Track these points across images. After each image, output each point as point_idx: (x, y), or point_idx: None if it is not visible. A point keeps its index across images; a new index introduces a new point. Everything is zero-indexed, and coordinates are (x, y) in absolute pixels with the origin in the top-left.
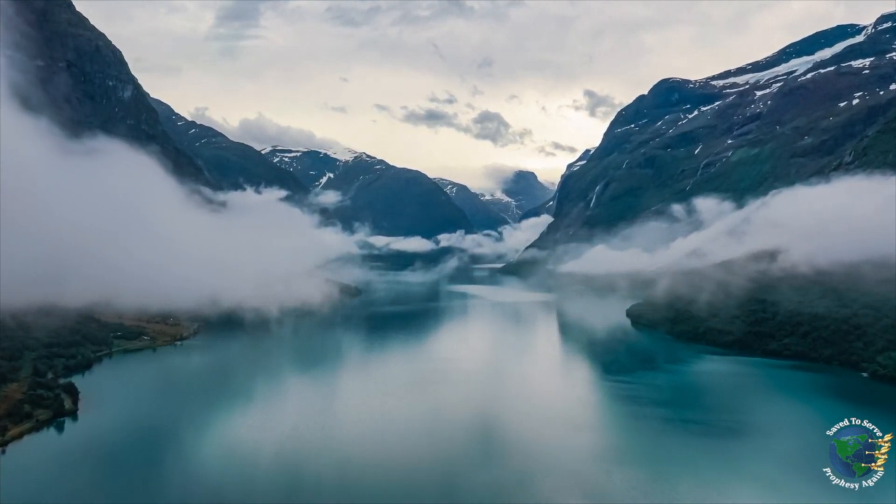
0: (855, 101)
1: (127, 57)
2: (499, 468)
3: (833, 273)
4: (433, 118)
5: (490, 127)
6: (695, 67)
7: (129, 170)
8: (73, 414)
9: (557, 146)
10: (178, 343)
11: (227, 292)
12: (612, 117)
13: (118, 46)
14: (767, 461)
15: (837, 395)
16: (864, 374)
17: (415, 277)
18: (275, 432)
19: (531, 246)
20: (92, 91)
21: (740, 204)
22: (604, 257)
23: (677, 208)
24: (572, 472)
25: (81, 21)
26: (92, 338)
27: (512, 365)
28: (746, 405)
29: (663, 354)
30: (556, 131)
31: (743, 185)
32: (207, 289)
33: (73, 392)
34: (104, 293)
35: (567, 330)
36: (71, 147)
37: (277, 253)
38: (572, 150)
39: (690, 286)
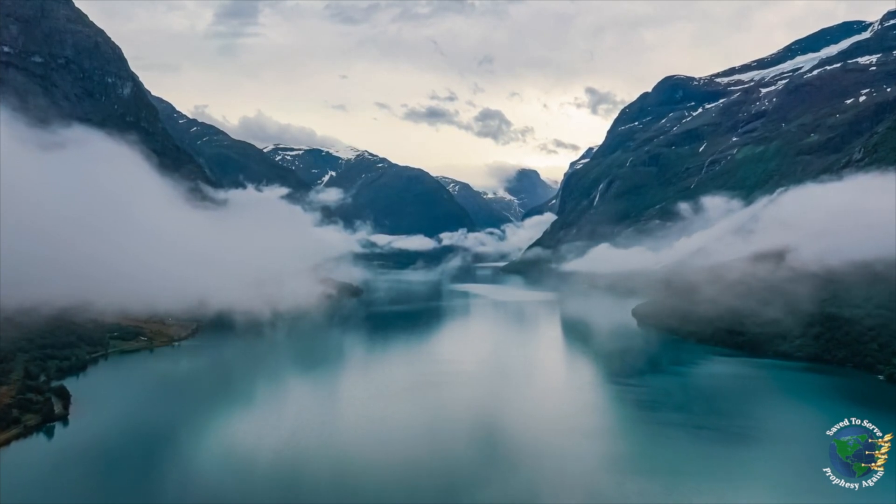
0: (862, 99)
1: (126, 55)
2: (505, 481)
3: (845, 272)
4: (434, 116)
5: (492, 125)
6: (696, 65)
7: (109, 162)
8: (64, 419)
9: (559, 144)
10: (176, 344)
11: (218, 293)
12: (613, 115)
13: (117, 44)
14: (786, 471)
15: (854, 398)
16: (881, 377)
17: (417, 276)
18: (272, 439)
19: (534, 244)
20: (91, 88)
21: (746, 202)
22: (607, 256)
23: (682, 206)
24: (582, 482)
25: (80, 17)
26: (87, 338)
27: (516, 367)
28: (760, 410)
29: (671, 356)
30: (558, 129)
31: (748, 183)
32: (197, 289)
33: (64, 395)
34: (82, 295)
35: (572, 330)
36: (43, 138)
37: (276, 251)
38: (574, 147)
39: (696, 285)
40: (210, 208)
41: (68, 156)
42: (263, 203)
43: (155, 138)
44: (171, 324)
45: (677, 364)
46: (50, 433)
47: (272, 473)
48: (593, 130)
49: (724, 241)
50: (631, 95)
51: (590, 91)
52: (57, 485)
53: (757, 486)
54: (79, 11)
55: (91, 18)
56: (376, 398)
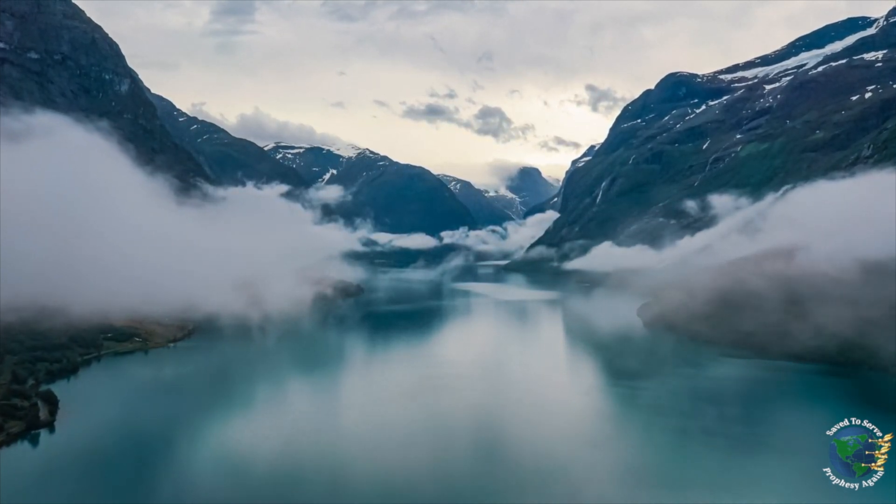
0: (867, 95)
1: (124, 52)
2: (510, 492)
3: (857, 272)
4: (434, 113)
5: (492, 122)
6: (696, 62)
7: (82, 154)
8: (50, 425)
9: (560, 141)
10: (172, 345)
11: (209, 294)
12: (614, 112)
13: (115, 41)
14: (807, 482)
15: (870, 402)
16: None
17: (418, 275)
18: (269, 446)
19: (536, 243)
20: (88, 84)
21: (751, 200)
22: (610, 254)
23: (685, 204)
24: (591, 495)
25: (77, 13)
26: (80, 340)
27: (520, 370)
28: (775, 415)
29: (679, 357)
30: (559, 126)
31: (753, 181)
32: (185, 290)
33: (51, 401)
34: (53, 299)
35: (576, 330)
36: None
37: (273, 250)
38: (575, 145)
39: (702, 284)
40: (203, 206)
41: (36, 146)
42: (261, 201)
43: (153, 136)
44: (167, 324)
45: (686, 365)
46: (35, 441)
47: (269, 481)
48: (594, 128)
49: (729, 240)
50: (631, 93)
51: (590, 88)
52: (40, 495)
53: (777, 496)
54: (76, 7)
55: (88, 16)
56: (375, 402)
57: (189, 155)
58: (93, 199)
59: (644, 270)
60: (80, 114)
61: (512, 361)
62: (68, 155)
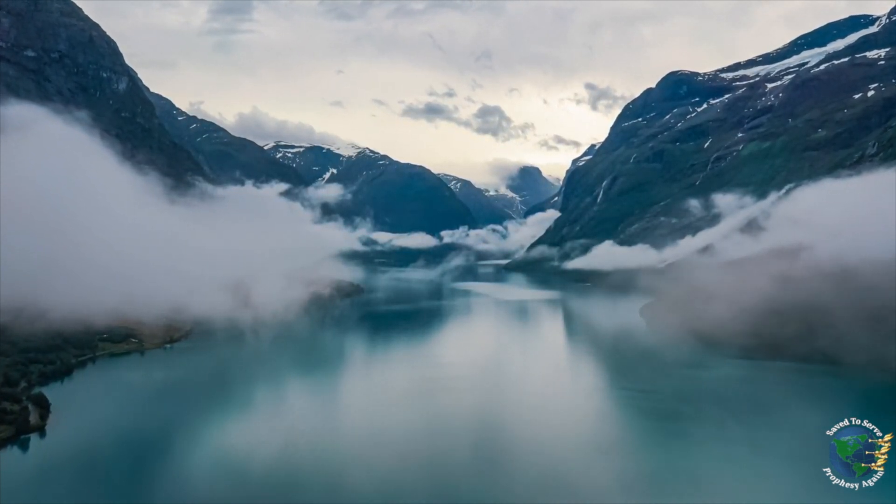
0: (870, 93)
1: (123, 52)
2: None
3: (864, 272)
4: (433, 112)
5: (492, 121)
6: (695, 60)
7: (61, 146)
8: (41, 429)
9: (560, 140)
10: (168, 346)
11: (201, 295)
12: (613, 110)
13: (113, 39)
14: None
15: (881, 405)
16: None
17: (418, 275)
18: (265, 451)
19: (537, 242)
20: (85, 83)
21: (753, 199)
22: (611, 254)
23: (687, 204)
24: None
25: (74, 11)
26: (75, 341)
27: (522, 372)
28: (787, 419)
29: (683, 359)
30: (558, 125)
31: (755, 180)
32: (176, 291)
33: (42, 404)
34: (38, 300)
35: (577, 331)
36: None
37: (270, 249)
38: (576, 144)
39: (704, 284)
40: (201, 205)
41: (14, 139)
42: (260, 200)
43: (151, 134)
44: (162, 325)
45: (690, 367)
46: (24, 446)
47: (267, 484)
48: (594, 126)
49: (732, 240)
50: (631, 91)
51: (589, 87)
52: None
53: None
54: (73, 5)
55: (86, 14)
56: (374, 404)
57: (188, 154)
58: (78, 195)
59: (645, 269)
60: (59, 105)
61: (514, 364)
62: (47, 148)
